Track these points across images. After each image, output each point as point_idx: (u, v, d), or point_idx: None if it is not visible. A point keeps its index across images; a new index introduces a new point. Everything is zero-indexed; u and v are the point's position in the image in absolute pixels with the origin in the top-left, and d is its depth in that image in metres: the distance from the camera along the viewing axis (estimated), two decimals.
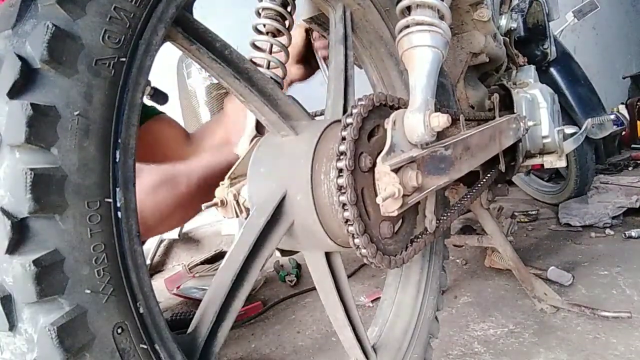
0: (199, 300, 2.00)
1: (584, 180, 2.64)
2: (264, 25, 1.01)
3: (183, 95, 2.36)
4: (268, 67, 1.02)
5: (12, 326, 0.41)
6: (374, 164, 0.68)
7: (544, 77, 2.29)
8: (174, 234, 2.54)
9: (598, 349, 1.25)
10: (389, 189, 0.64)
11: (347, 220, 0.64)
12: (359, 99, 0.69)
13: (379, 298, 1.77)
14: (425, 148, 0.75)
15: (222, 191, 0.87)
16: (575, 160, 2.52)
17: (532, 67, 1.85)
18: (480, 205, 1.56)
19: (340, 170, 0.63)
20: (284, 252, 1.56)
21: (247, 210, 0.84)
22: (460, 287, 1.82)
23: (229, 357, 1.56)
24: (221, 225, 2.78)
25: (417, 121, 0.72)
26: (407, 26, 0.77)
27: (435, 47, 0.76)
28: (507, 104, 1.59)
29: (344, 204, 0.63)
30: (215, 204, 0.87)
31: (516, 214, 2.70)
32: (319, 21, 1.16)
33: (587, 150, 2.53)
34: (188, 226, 2.67)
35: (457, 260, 2.09)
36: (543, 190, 2.93)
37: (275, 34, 1.01)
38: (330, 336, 1.57)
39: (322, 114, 1.55)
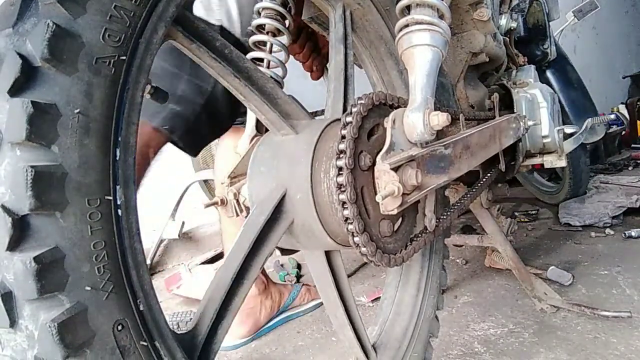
0: (199, 300, 2.00)
1: (577, 183, 2.67)
2: (264, 25, 1.01)
3: None
4: (268, 67, 1.02)
5: (12, 323, 0.41)
6: (374, 163, 0.68)
7: (542, 78, 2.29)
8: (174, 233, 2.54)
9: (598, 348, 1.25)
10: (388, 188, 0.64)
11: (346, 219, 0.64)
12: (359, 98, 0.70)
13: (378, 298, 1.77)
14: (424, 147, 0.75)
15: (223, 190, 0.87)
16: (569, 163, 2.52)
17: (532, 67, 1.85)
18: (480, 205, 1.56)
19: (340, 169, 0.63)
20: (284, 251, 1.57)
21: (248, 209, 0.84)
22: (460, 287, 1.82)
23: (229, 356, 1.56)
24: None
25: (416, 120, 0.72)
26: (407, 25, 0.77)
27: (434, 46, 0.76)
28: (507, 104, 1.59)
29: (344, 203, 0.63)
30: (216, 203, 0.87)
31: (516, 213, 2.70)
32: (319, 21, 1.16)
33: (581, 154, 2.54)
34: (188, 226, 2.67)
35: (457, 260, 2.09)
36: (543, 190, 2.94)
37: (275, 33, 1.02)
38: (330, 336, 1.57)
39: (321, 114, 1.56)
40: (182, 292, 2.10)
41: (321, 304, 1.80)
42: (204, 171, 2.45)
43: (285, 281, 2.12)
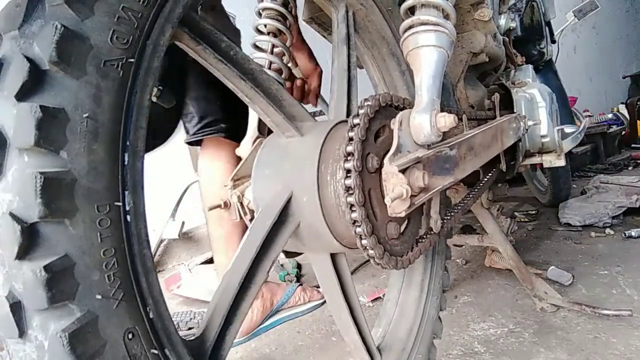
0: (199, 300, 1.98)
1: (557, 187, 2.69)
2: (265, 26, 1.01)
3: None
4: (269, 68, 1.01)
5: (22, 333, 0.40)
6: (381, 165, 0.67)
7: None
8: (174, 233, 2.53)
9: (598, 348, 1.25)
10: (397, 190, 0.63)
11: (354, 222, 0.63)
12: (365, 99, 0.69)
13: (378, 298, 1.77)
14: (430, 148, 0.74)
15: (226, 193, 0.86)
16: (548, 169, 2.53)
17: (530, 66, 1.86)
18: (480, 204, 1.56)
19: (348, 171, 0.62)
20: (288, 254, 1.57)
21: (252, 212, 0.84)
22: (460, 287, 1.82)
23: (229, 357, 1.55)
24: None
25: (423, 121, 0.72)
26: (412, 26, 0.76)
27: (440, 47, 0.75)
28: (505, 104, 1.59)
29: (352, 205, 0.62)
30: (219, 206, 0.86)
31: (516, 213, 2.70)
32: (320, 21, 1.16)
33: None
34: (188, 226, 2.66)
35: (458, 260, 2.09)
36: (538, 189, 2.95)
37: (277, 34, 1.01)
38: (331, 336, 1.57)
39: (320, 114, 1.56)
40: (182, 292, 2.09)
41: (321, 304, 1.80)
42: None
43: (285, 281, 2.12)
